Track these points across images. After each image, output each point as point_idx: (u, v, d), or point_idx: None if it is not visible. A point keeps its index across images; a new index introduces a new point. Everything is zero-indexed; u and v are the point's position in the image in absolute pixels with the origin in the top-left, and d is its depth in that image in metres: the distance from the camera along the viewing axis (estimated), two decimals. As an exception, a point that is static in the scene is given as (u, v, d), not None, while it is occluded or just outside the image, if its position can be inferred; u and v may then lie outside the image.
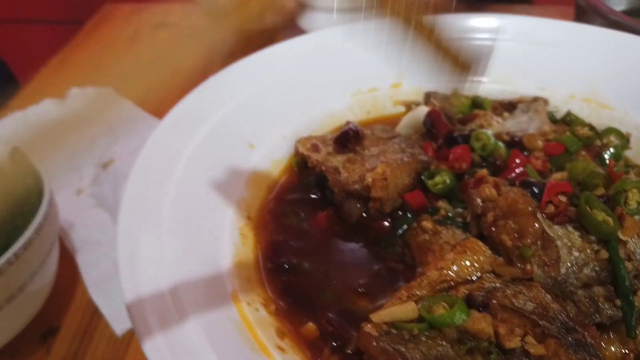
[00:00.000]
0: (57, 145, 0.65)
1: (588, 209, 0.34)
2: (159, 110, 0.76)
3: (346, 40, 0.53)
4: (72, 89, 0.78)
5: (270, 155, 0.48)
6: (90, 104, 0.75)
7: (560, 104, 0.53)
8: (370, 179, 0.41)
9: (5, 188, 0.47)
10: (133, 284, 0.29)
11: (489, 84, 0.55)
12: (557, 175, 0.39)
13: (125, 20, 1.02)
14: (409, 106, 0.54)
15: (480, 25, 0.57)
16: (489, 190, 0.38)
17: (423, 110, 0.49)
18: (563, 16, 0.86)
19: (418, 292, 0.33)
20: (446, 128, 0.46)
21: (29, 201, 0.45)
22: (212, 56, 0.89)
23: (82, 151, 0.66)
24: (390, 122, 0.53)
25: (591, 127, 0.49)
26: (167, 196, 0.37)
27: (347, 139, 0.45)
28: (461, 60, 0.31)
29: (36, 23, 1.66)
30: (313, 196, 0.46)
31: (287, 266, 0.39)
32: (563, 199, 0.35)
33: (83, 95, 0.77)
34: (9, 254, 0.39)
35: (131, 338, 0.47)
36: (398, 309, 0.32)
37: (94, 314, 0.48)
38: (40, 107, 0.74)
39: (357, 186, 0.42)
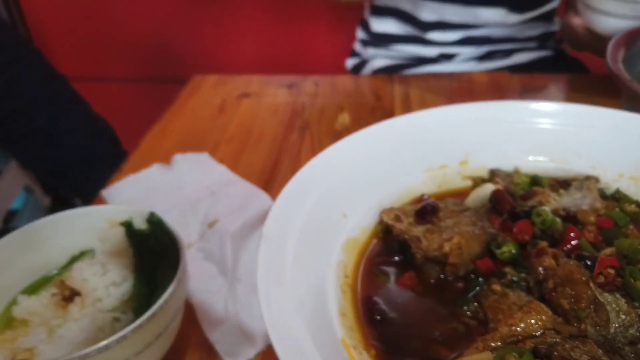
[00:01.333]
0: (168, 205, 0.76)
1: (632, 280, 0.42)
2: (250, 173, 0.88)
3: (423, 124, 0.64)
4: (175, 155, 0.91)
5: (360, 223, 0.57)
6: (191, 168, 0.87)
7: (610, 182, 0.61)
8: (448, 248, 0.50)
9: (147, 247, 0.58)
10: (273, 329, 0.39)
11: (546, 163, 0.63)
12: (607, 251, 0.47)
13: (213, 90, 1.16)
14: (476, 181, 0.63)
15: (540, 110, 0.65)
16: (548, 260, 0.46)
17: (489, 187, 0.58)
18: (615, 86, 0.93)
19: (492, 344, 0.41)
20: (509, 205, 0.54)
21: (167, 258, 0.56)
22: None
23: (188, 211, 0.77)
24: (459, 194, 0.62)
25: (638, 204, 0.57)
26: (287, 261, 0.47)
27: (426, 212, 0.54)
28: None
29: (126, 81, 1.86)
30: (397, 259, 0.55)
31: (379, 318, 0.48)
32: (611, 271, 0.43)
33: (185, 160, 0.90)
34: (160, 301, 0.49)
35: (242, 374, 0.56)
36: (476, 356, 0.40)
37: (211, 351, 0.58)
38: (150, 171, 0.87)
39: (436, 253, 0.51)
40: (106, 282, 0.53)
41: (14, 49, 0.94)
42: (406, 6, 1.28)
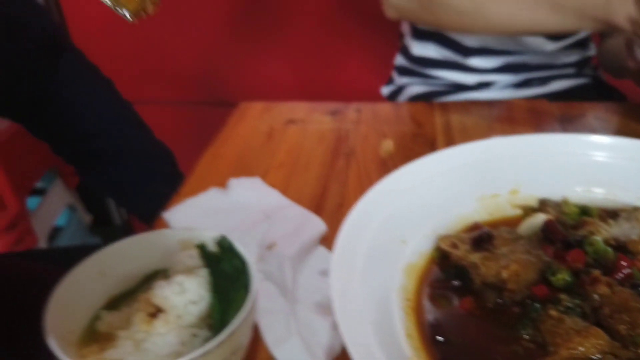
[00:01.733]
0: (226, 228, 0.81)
1: (686, 308, 0.45)
2: (300, 198, 0.92)
3: (475, 155, 0.67)
4: (230, 179, 0.96)
5: (418, 249, 0.61)
6: (247, 192, 0.92)
7: (656, 213, 0.64)
8: (505, 275, 0.53)
9: (220, 268, 0.62)
10: (352, 347, 0.43)
11: (594, 194, 0.67)
12: (660, 280, 0.50)
13: (260, 117, 1.22)
14: (526, 210, 0.66)
15: (588, 142, 0.68)
16: (603, 288, 0.49)
17: (541, 217, 0.61)
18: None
19: (553, 366, 0.44)
20: (561, 235, 0.58)
21: (239, 279, 0.60)
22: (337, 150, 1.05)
23: (246, 233, 0.82)
24: (510, 223, 0.65)
25: (685, 235, 0.59)
26: (355, 284, 0.50)
27: (482, 240, 0.58)
28: None
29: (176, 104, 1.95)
30: (455, 283, 0.58)
31: (442, 339, 0.51)
32: (666, 300, 0.46)
33: (240, 184, 0.95)
34: (239, 318, 0.53)
35: (307, 389, 0.60)
36: (540, 377, 0.43)
37: (276, 368, 0.62)
38: (207, 195, 0.92)
39: (494, 279, 0.54)
40: (185, 301, 0.57)
41: (89, 77, 1.01)
42: (449, 31, 1.32)
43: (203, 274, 0.61)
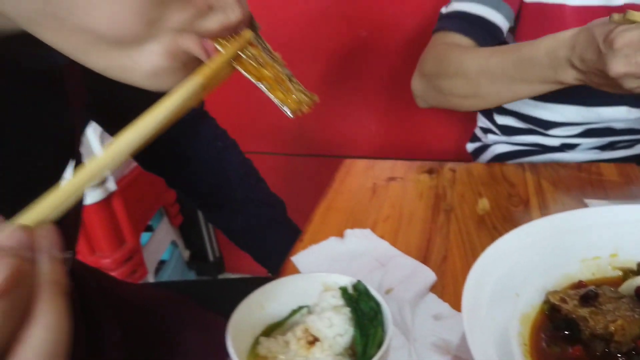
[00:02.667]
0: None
1: None
2: (408, 250, 1.04)
3: (579, 221, 0.77)
4: (346, 230, 1.09)
5: (529, 302, 0.71)
6: (361, 242, 1.05)
7: None
8: (613, 328, 0.63)
9: (359, 307, 0.75)
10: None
11: (687, 261, 0.75)
12: None
13: (364, 173, 1.36)
14: (625, 272, 0.75)
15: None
16: (702, 347, 0.58)
17: (640, 281, 0.70)
18: None
19: (659, 408, 0.53)
20: (651, 297, 0.67)
21: (375, 318, 0.72)
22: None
23: (365, 279, 0.94)
24: (611, 283, 0.74)
25: None
26: (481, 331, 0.61)
27: (589, 297, 0.67)
28: None
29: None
30: (566, 333, 0.68)
31: (558, 380, 0.61)
32: None
33: (354, 235, 1.08)
34: (381, 351, 0.65)
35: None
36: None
37: (403, 397, 0.73)
38: (328, 242, 1.06)
39: (602, 332, 0.64)
40: (334, 333, 0.70)
41: (221, 140, 1.19)
42: (527, 108, 1.41)
43: (345, 312, 0.74)
